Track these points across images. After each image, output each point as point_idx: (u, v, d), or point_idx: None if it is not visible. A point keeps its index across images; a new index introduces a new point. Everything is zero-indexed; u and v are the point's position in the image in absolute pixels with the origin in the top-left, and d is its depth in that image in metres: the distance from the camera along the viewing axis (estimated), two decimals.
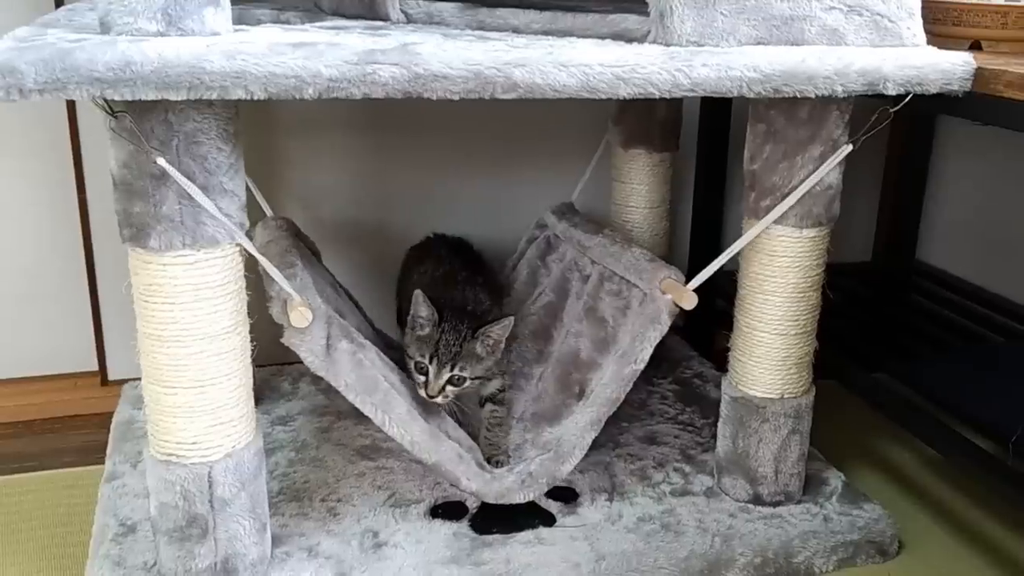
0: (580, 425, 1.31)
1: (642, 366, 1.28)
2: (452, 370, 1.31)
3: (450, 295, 1.40)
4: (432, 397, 1.30)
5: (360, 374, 1.20)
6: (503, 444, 1.38)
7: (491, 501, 1.29)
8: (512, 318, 1.36)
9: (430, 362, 1.30)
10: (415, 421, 1.24)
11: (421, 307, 1.32)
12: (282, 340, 1.16)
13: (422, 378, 1.31)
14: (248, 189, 1.51)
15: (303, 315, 1.14)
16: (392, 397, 1.23)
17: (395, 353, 1.41)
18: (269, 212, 1.54)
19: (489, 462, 1.33)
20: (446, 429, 1.31)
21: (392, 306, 1.66)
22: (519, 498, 1.29)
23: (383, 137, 1.77)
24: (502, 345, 1.36)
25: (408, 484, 1.38)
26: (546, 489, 1.31)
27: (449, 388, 1.31)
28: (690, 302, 1.25)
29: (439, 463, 1.26)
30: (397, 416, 1.22)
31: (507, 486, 1.29)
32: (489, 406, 1.41)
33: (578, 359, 1.42)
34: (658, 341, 1.27)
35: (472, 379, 1.33)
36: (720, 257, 1.25)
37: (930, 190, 2.06)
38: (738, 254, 1.30)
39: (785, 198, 1.23)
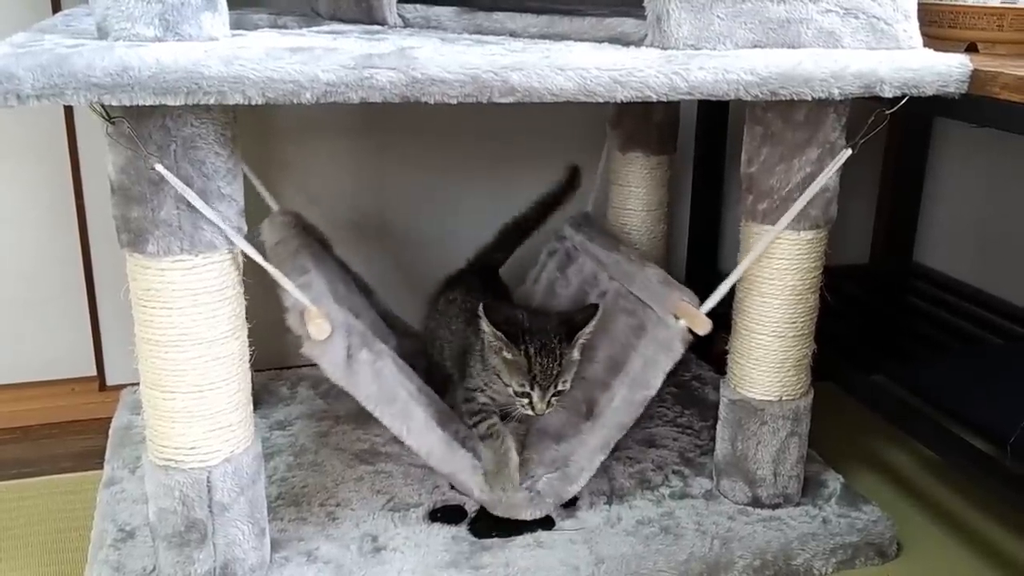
0: (589, 447, 1.31)
1: (654, 392, 1.28)
2: (556, 387, 1.30)
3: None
4: (540, 414, 1.31)
5: (380, 385, 1.21)
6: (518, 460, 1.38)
7: (499, 514, 1.29)
8: (600, 308, 1.34)
9: (532, 389, 1.29)
10: (432, 431, 1.24)
11: (486, 327, 1.28)
12: (302, 351, 1.15)
13: (524, 400, 1.29)
14: (253, 187, 1.52)
15: (322, 327, 1.13)
16: (411, 407, 1.23)
17: (413, 342, 1.41)
18: (275, 207, 1.54)
19: None
20: (461, 438, 1.31)
21: (393, 306, 1.66)
22: (526, 515, 1.29)
23: (382, 141, 1.77)
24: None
25: (407, 488, 1.38)
26: (552, 509, 1.31)
27: (554, 400, 1.31)
28: (703, 327, 1.23)
29: (454, 473, 1.27)
30: (416, 426, 1.23)
31: (516, 502, 1.29)
32: (513, 424, 1.39)
33: (586, 380, 1.41)
34: (671, 368, 1.27)
35: (572, 379, 1.33)
36: (731, 276, 1.25)
37: (927, 192, 2.06)
38: (737, 257, 1.30)
39: (783, 201, 1.23)
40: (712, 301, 1.25)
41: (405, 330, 1.61)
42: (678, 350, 1.26)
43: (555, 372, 1.29)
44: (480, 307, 1.29)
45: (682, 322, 1.25)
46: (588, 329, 1.32)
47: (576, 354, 1.32)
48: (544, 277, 1.67)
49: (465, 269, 1.61)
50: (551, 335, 1.29)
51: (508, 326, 1.29)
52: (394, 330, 1.58)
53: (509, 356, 1.29)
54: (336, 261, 1.52)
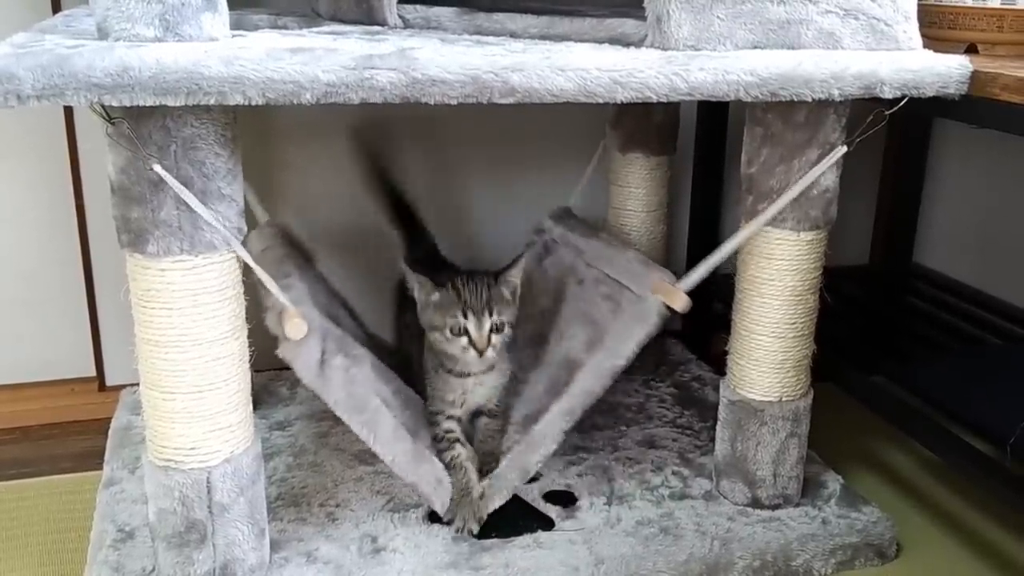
0: (553, 413, 1.28)
1: (624, 362, 1.26)
2: (491, 316, 1.27)
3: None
4: (482, 352, 1.27)
5: (351, 391, 1.19)
6: (497, 453, 1.37)
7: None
8: (524, 256, 1.34)
9: (465, 317, 1.26)
10: (400, 441, 1.23)
11: (410, 279, 1.29)
12: (277, 352, 1.15)
13: (463, 339, 1.27)
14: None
15: (298, 327, 1.13)
16: (380, 415, 1.22)
17: (391, 359, 1.41)
18: (264, 218, 1.54)
19: (483, 472, 1.32)
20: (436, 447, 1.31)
21: (388, 311, 1.66)
22: (495, 503, 1.29)
23: (382, 142, 1.77)
24: (519, 292, 1.33)
25: (407, 489, 1.37)
26: (519, 483, 1.30)
27: (494, 338, 1.28)
28: (681, 303, 1.23)
29: (416, 484, 1.25)
30: (382, 435, 1.21)
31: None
32: (484, 419, 1.39)
33: (568, 362, 1.41)
34: (645, 340, 1.25)
35: (510, 325, 1.30)
36: (710, 258, 1.24)
37: (927, 193, 2.06)
38: (736, 257, 1.30)
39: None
40: (690, 278, 1.24)
41: (381, 345, 1.60)
42: (652, 322, 1.25)
43: (486, 298, 1.27)
44: (401, 263, 1.30)
45: (659, 296, 1.25)
46: (512, 271, 1.32)
47: (507, 293, 1.31)
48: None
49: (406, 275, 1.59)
50: (478, 274, 1.31)
51: (432, 273, 1.30)
52: (372, 346, 1.57)
53: (437, 297, 1.28)
54: (320, 275, 1.52)
